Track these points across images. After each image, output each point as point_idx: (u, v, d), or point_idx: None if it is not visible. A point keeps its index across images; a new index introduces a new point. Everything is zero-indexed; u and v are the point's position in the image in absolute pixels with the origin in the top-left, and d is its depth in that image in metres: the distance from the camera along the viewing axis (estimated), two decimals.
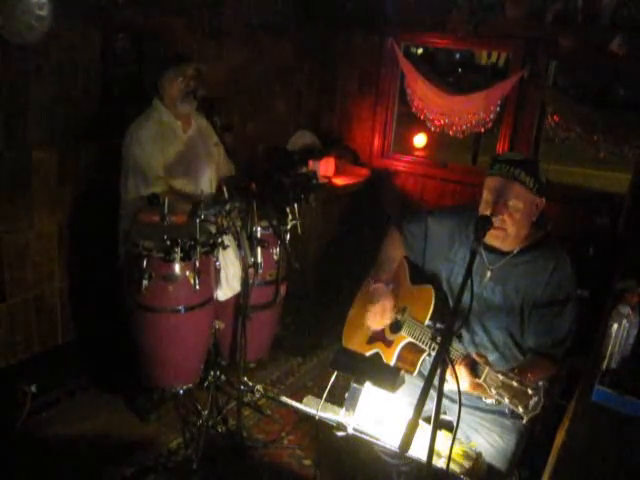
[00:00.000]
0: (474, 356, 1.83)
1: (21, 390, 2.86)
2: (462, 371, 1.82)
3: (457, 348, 1.96)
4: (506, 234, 2.01)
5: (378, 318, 2.20)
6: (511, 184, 1.95)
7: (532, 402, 1.62)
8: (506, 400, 1.67)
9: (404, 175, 4.48)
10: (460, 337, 2.11)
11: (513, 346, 2.10)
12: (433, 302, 2.11)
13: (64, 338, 3.26)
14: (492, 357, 2.03)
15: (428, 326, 2.08)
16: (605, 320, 2.07)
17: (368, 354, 2.25)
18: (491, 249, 2.08)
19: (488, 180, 2.02)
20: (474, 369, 1.79)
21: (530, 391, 1.63)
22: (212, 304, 2.83)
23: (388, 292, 2.23)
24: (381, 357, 2.20)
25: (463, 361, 1.83)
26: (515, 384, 1.66)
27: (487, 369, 1.75)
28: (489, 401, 1.75)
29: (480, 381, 1.76)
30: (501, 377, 1.70)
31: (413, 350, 2.14)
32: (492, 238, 2.02)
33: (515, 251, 2.06)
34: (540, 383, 1.67)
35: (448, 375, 1.55)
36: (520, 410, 1.64)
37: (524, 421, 1.67)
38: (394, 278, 2.35)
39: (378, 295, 2.22)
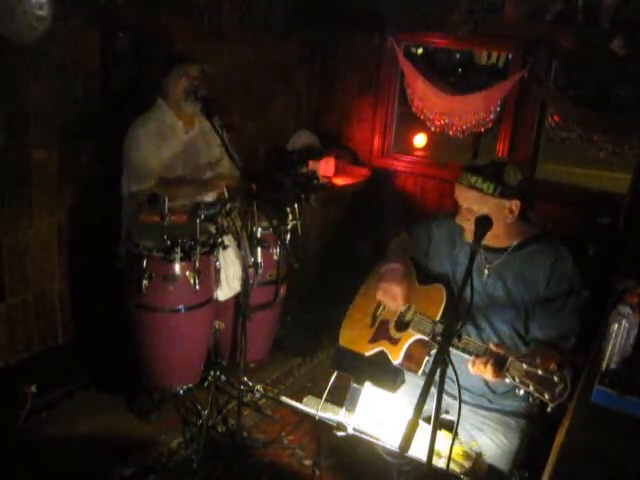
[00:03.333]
0: (492, 347, 1.85)
1: (21, 390, 2.86)
2: (488, 367, 1.83)
3: (475, 341, 1.96)
4: None
5: (397, 298, 2.17)
6: (469, 191, 2.02)
7: (558, 389, 1.64)
8: (531, 388, 1.68)
9: (404, 175, 4.48)
10: (460, 337, 2.11)
11: (518, 340, 2.12)
12: (444, 299, 2.12)
13: (64, 338, 3.26)
14: None
15: (439, 322, 2.09)
16: (605, 320, 2.07)
17: (371, 352, 2.24)
18: (488, 248, 2.11)
19: (455, 188, 2.09)
20: (500, 364, 1.79)
21: (556, 378, 1.65)
22: (212, 304, 2.83)
23: (401, 270, 2.21)
24: (386, 355, 2.20)
25: (490, 359, 1.84)
26: (540, 372, 1.68)
27: (511, 359, 1.77)
28: (508, 381, 1.76)
29: (504, 371, 1.77)
30: (525, 366, 1.71)
31: (420, 347, 2.13)
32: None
33: (512, 247, 2.09)
34: (565, 371, 1.68)
35: (450, 373, 1.55)
36: (546, 397, 1.66)
37: (549, 409, 1.68)
38: None
39: (391, 273, 2.21)
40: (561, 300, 2.02)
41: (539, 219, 2.17)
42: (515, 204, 2.02)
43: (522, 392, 1.73)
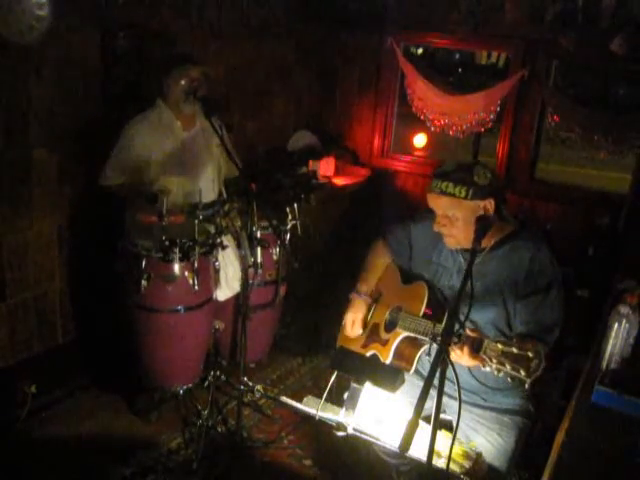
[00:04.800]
0: (468, 332, 1.86)
1: (21, 390, 2.86)
2: (465, 351, 1.83)
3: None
4: (456, 240, 2.10)
5: (349, 328, 2.35)
6: (442, 198, 2.04)
7: (533, 364, 1.65)
8: (507, 367, 1.69)
9: (404, 175, 4.48)
10: (460, 336, 2.12)
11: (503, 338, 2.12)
12: (426, 295, 2.15)
13: (64, 338, 3.26)
14: None
15: (424, 317, 2.10)
16: (605, 320, 2.07)
17: None
18: (467, 250, 2.10)
19: (427, 197, 2.11)
20: (476, 348, 1.80)
21: (530, 354, 1.66)
22: (212, 304, 2.83)
23: (361, 303, 2.36)
24: (378, 358, 2.21)
25: (466, 344, 1.84)
26: (515, 350, 1.69)
27: (486, 341, 1.78)
28: (487, 369, 1.77)
29: (480, 354, 1.77)
30: (500, 346, 1.72)
31: (410, 345, 2.15)
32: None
33: (489, 246, 2.10)
34: (539, 346, 1.69)
35: (449, 373, 1.55)
36: (522, 374, 1.66)
37: (526, 385, 1.69)
38: (385, 282, 2.40)
39: (351, 306, 2.37)
40: (541, 294, 2.03)
41: (511, 214, 2.17)
42: (489, 203, 2.02)
43: (501, 374, 1.73)
